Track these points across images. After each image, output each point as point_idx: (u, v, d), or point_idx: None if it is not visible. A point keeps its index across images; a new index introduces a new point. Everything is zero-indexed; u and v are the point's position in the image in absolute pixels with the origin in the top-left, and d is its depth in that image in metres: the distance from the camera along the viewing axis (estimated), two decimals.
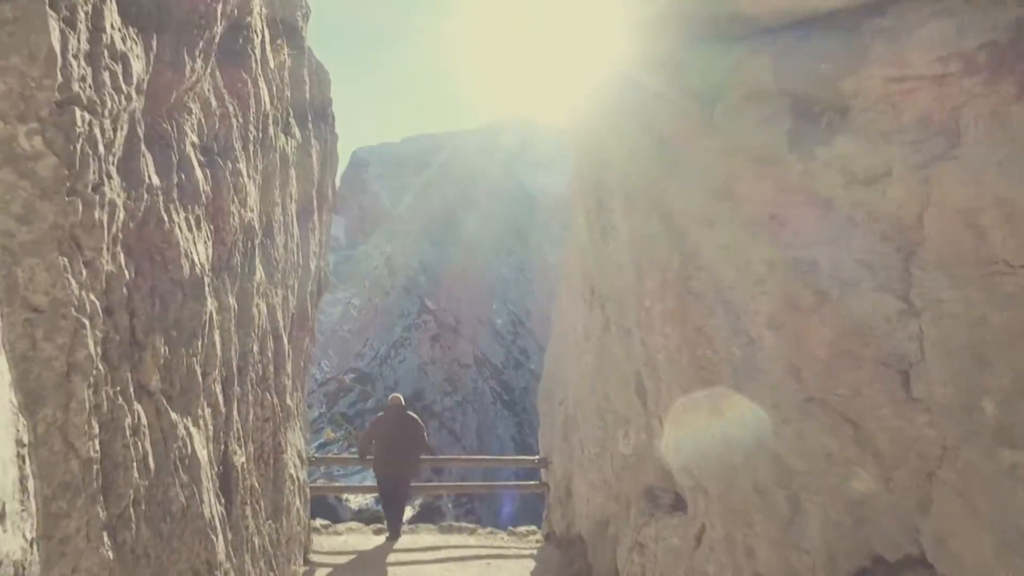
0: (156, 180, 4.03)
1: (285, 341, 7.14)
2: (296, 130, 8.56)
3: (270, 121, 6.52)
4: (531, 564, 9.44)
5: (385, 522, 11.24)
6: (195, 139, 4.71)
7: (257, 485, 5.66)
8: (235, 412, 5.10)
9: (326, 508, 49.10)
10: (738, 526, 4.03)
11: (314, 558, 9.71)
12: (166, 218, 4.08)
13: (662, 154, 5.10)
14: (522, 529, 11.51)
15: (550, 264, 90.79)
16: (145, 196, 3.88)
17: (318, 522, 11.59)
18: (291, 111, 8.19)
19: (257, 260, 5.89)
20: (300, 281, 9.31)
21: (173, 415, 3.94)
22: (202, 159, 4.81)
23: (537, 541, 10.91)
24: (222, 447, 4.80)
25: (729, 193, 3.98)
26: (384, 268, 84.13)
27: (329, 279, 11.80)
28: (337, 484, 32.82)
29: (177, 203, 4.28)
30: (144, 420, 3.67)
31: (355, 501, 58.39)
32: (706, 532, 4.60)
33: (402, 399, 11.68)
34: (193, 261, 4.28)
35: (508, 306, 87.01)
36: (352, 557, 9.90)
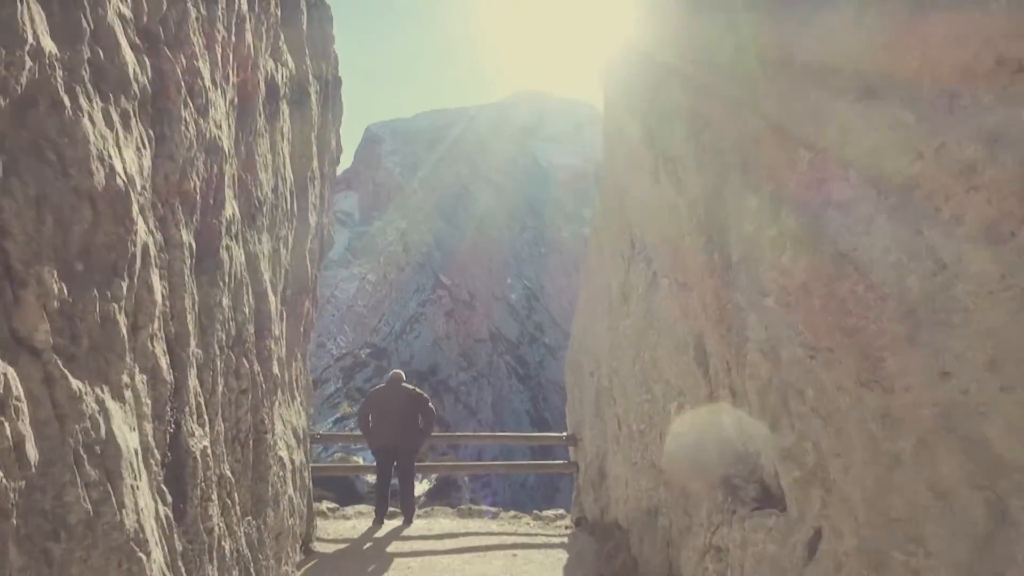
0: (51, 46, 2.73)
1: (272, 299, 5.86)
2: (289, 57, 7.23)
3: (247, 26, 5.19)
4: (562, 555, 8.18)
5: (377, 505, 10.00)
6: (126, 11, 3.39)
7: (230, 474, 4.40)
8: (191, 381, 3.82)
9: (344, 486, 48.25)
10: (895, 541, 2.72)
11: (318, 547, 8.50)
12: (67, 102, 2.77)
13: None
14: (549, 513, 10.25)
15: (564, 239, 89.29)
16: (28, 63, 2.58)
17: (324, 506, 10.39)
18: (281, 34, 6.86)
19: (228, 192, 4.59)
20: (296, 235, 8.02)
21: (74, 383, 2.65)
22: (138, 42, 3.49)
23: (567, 527, 9.65)
24: (170, 428, 3.53)
25: None
26: (398, 244, 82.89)
27: (332, 238, 10.51)
28: (352, 464, 31.74)
29: (89, 86, 2.97)
30: (18, 389, 2.39)
31: (372, 476, 57.76)
32: (825, 542, 3.30)
33: (403, 375, 10.43)
34: (113, 169, 2.97)
35: (523, 281, 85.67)
36: (360, 545, 8.68)
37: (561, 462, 10.70)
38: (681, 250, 6.02)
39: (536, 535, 9.13)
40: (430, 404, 10.10)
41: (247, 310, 4.85)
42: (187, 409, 3.73)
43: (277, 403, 5.70)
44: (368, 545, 8.69)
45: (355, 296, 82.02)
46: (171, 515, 3.44)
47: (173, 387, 3.57)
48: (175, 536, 3.43)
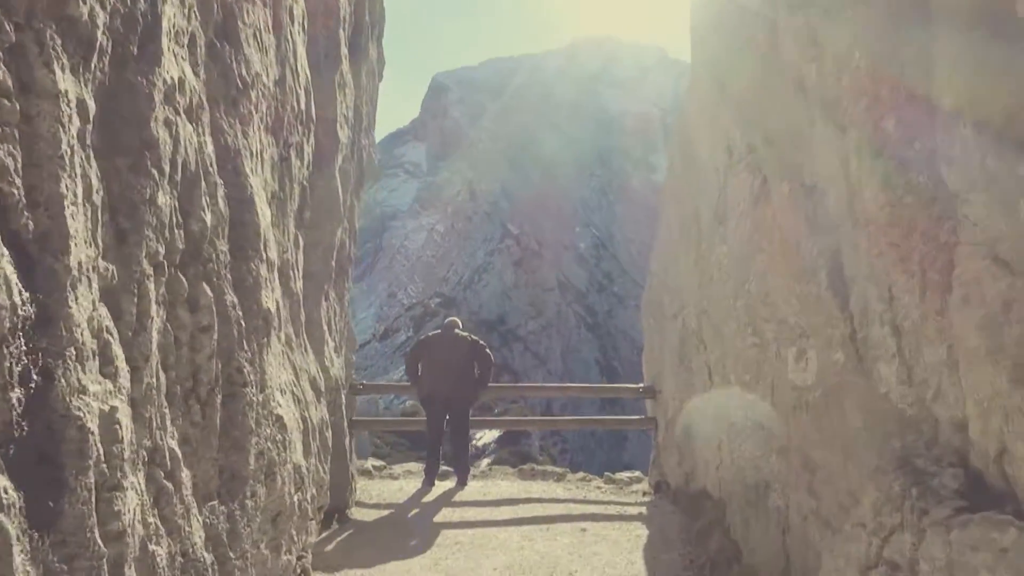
0: None
1: (265, 212, 4.44)
2: None
3: None
4: (640, 530, 6.69)
5: (427, 464, 8.66)
6: None
7: (176, 445, 3.03)
8: (78, 309, 2.41)
9: (411, 437, 47.94)
10: None
11: (355, 514, 7.23)
12: None
13: None
14: (623, 475, 8.76)
15: (633, 186, 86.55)
16: None
17: (370, 463, 9.13)
18: None
19: (166, 41, 3.12)
20: (319, 149, 6.60)
21: None
22: None
23: (644, 493, 8.16)
24: (28, 385, 2.13)
25: None
26: (466, 193, 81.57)
27: (375, 165, 9.07)
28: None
29: None
30: None
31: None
32: None
33: (459, 322, 9.03)
34: None
35: (591, 229, 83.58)
36: (405, 512, 7.38)
37: (637, 418, 9.19)
38: (810, 142, 4.36)
39: (608, 503, 7.66)
40: (488, 351, 8.70)
41: (210, 218, 3.43)
42: (71, 352, 2.33)
43: (272, 347, 4.33)
44: (414, 512, 7.38)
45: (424, 246, 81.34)
46: (25, 520, 2.07)
47: (33, 316, 2.17)
48: (33, 550, 2.06)
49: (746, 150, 5.71)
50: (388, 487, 8.32)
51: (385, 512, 7.37)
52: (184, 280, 3.22)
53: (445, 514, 7.24)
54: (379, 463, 9.17)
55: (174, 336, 3.14)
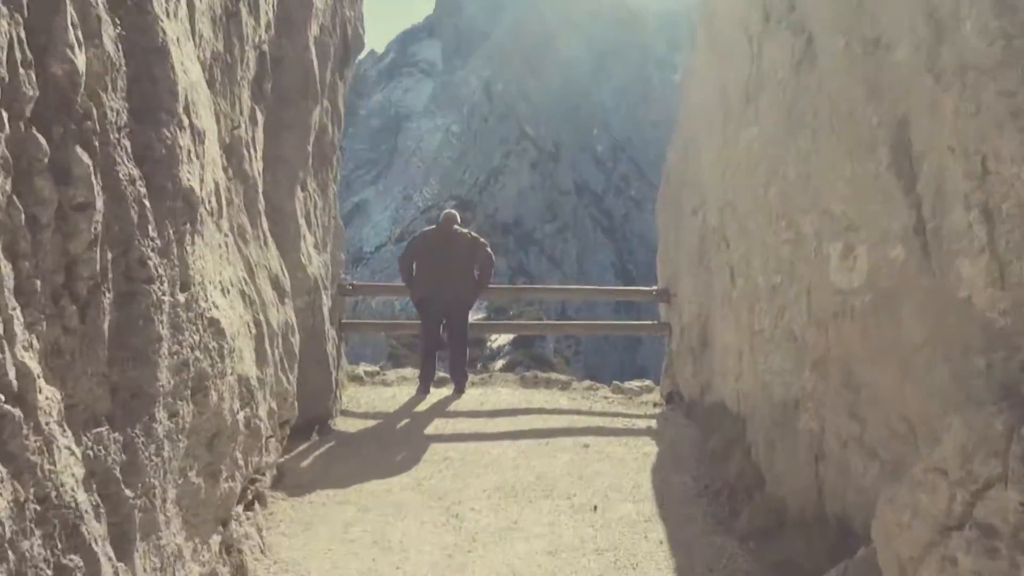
0: None
1: (188, 66, 3.54)
2: None
3: None
4: (649, 447, 6.00)
5: (422, 371, 8.02)
6: None
7: (30, 359, 2.27)
8: None
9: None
10: None
11: (339, 425, 6.59)
12: None
13: None
14: (633, 385, 8.05)
15: (653, 87, 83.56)
16: None
17: (362, 369, 8.48)
18: None
19: None
20: (282, 7, 5.64)
21: None
22: None
23: (655, 404, 7.46)
24: None
25: None
26: (483, 94, 79.15)
27: (362, 41, 8.03)
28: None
29: None
30: None
31: None
32: None
33: (456, 215, 8.15)
34: None
35: (609, 132, 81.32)
36: (394, 422, 6.75)
37: (649, 323, 8.41)
38: None
39: (616, 415, 6.97)
40: (489, 250, 7.89)
41: (85, 63, 2.57)
42: None
43: (207, 236, 3.52)
44: (403, 423, 6.74)
45: (440, 147, 79.60)
46: None
47: None
48: None
49: (787, 8, 4.70)
50: (379, 395, 7.68)
51: (372, 423, 6.73)
52: (42, 140, 2.39)
53: (437, 426, 6.60)
54: (372, 368, 8.52)
55: (27, 214, 2.33)
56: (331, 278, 7.55)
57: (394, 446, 5.99)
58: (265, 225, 4.96)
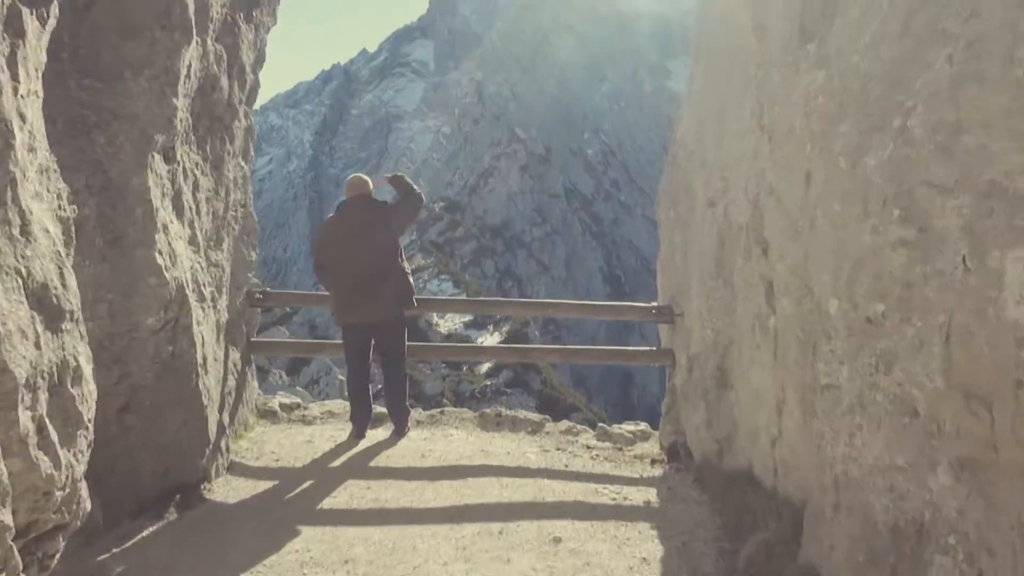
0: None
1: None
2: None
3: None
4: (649, 544, 4.00)
5: (352, 410, 5.96)
6: None
7: None
8: None
9: (418, 334, 45.65)
10: None
11: (219, 489, 4.61)
12: None
13: None
14: (624, 429, 6.03)
15: (645, 93, 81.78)
16: None
17: (277, 401, 6.47)
18: None
19: None
20: None
21: None
22: None
23: (653, 461, 5.46)
24: None
25: None
26: (474, 95, 77.15)
27: None
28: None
29: None
30: None
31: (445, 325, 55.16)
32: None
33: (367, 183, 5.94)
34: None
35: (600, 136, 79.50)
36: (293, 485, 4.77)
37: (645, 349, 6.44)
38: None
39: (601, 479, 4.97)
40: (415, 193, 5.86)
41: None
42: None
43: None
44: (308, 486, 4.74)
45: (430, 149, 77.65)
46: None
47: None
48: None
49: None
50: (293, 438, 5.70)
51: (266, 485, 4.75)
52: None
53: (353, 493, 4.61)
54: (291, 400, 6.51)
55: None
56: (231, 285, 5.59)
57: (279, 532, 4.01)
58: (29, 203, 2.98)
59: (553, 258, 68.05)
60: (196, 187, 4.91)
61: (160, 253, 4.23)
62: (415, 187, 5.83)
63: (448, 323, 56.23)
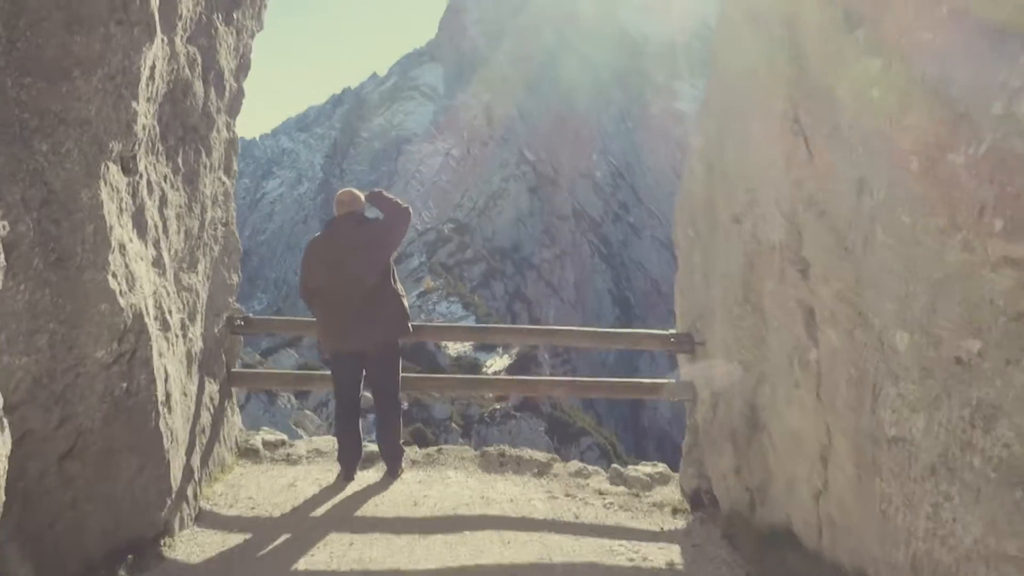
0: None
1: None
2: None
3: None
4: None
5: (339, 450, 5.34)
6: None
7: None
8: None
9: (426, 357, 44.89)
10: None
11: (182, 545, 4.03)
12: None
13: None
14: (641, 472, 5.40)
15: (653, 114, 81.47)
16: None
17: (260, 438, 5.89)
18: None
19: None
20: None
21: None
22: None
23: (675, 510, 4.83)
24: None
25: None
26: (483, 117, 77.08)
27: None
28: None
29: None
30: None
31: (454, 348, 54.42)
32: None
33: (358, 197, 5.32)
34: None
35: (608, 157, 79.17)
36: (267, 540, 4.20)
37: (662, 381, 5.80)
38: None
39: (615, 533, 4.36)
40: (402, 211, 5.29)
41: None
42: None
43: None
44: (283, 540, 4.16)
45: (439, 171, 77.43)
46: None
47: None
48: None
49: None
50: (274, 481, 5.12)
51: (237, 540, 4.17)
52: None
53: (332, 552, 4.02)
54: (276, 437, 5.93)
55: None
56: (207, 311, 5.06)
57: None
58: None
59: (562, 280, 67.54)
60: (164, 202, 4.38)
61: (114, 276, 3.69)
62: (399, 201, 5.29)
63: (457, 345, 55.54)
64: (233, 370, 5.56)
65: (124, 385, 3.78)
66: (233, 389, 5.58)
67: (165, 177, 4.39)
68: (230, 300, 5.52)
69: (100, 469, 3.67)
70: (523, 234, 70.06)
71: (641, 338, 5.68)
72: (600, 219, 74.69)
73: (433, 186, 76.06)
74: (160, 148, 4.35)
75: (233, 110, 5.49)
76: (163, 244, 4.35)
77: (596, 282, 70.20)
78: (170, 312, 4.34)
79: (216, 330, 5.28)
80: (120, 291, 3.72)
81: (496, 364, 52.15)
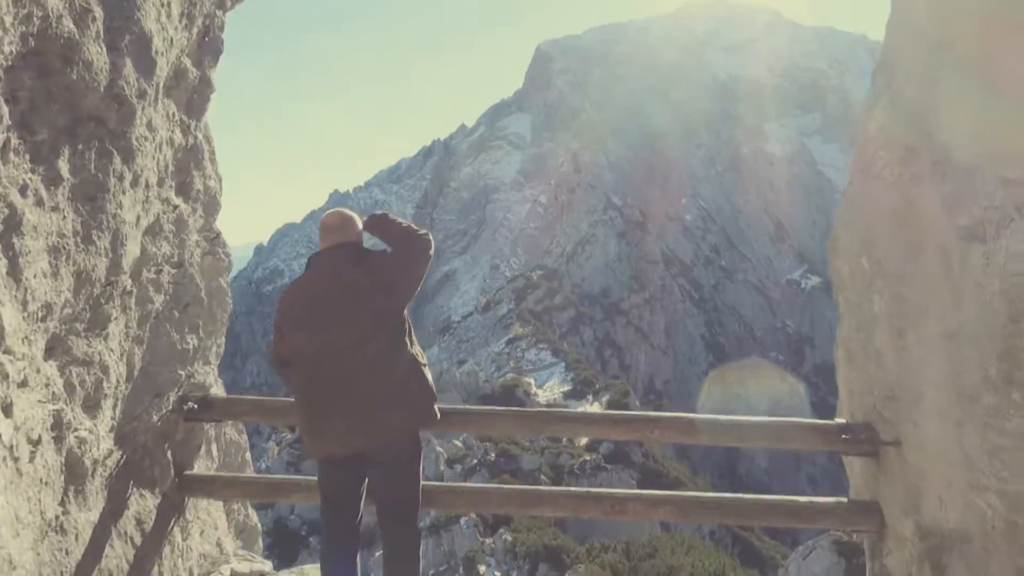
0: None
1: None
2: None
3: None
4: None
5: None
6: None
7: None
8: None
9: (515, 403, 43.03)
10: None
11: None
12: None
13: None
14: None
15: (743, 156, 78.39)
16: None
17: (230, 570, 4.09)
18: None
19: None
20: None
21: None
22: None
23: None
24: None
25: None
26: (570, 165, 75.89)
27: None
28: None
29: None
30: None
31: (544, 395, 52.26)
32: None
33: (356, 221, 3.44)
34: None
35: (698, 201, 76.35)
36: None
37: (831, 503, 3.64)
38: None
39: None
40: (417, 238, 3.41)
41: None
42: None
43: None
44: None
45: (527, 218, 76.34)
46: None
47: None
48: None
49: None
50: None
51: None
52: None
53: None
54: (252, 568, 4.11)
55: None
56: (136, 392, 3.33)
57: None
58: None
59: (652, 325, 64.72)
60: (17, 228, 2.68)
61: None
62: (412, 225, 3.44)
63: (547, 393, 53.34)
64: (187, 473, 3.80)
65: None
66: (188, 499, 3.81)
67: (24, 188, 2.69)
68: (183, 372, 3.79)
69: None
70: (612, 279, 67.86)
71: (788, 430, 3.53)
72: (691, 263, 71.71)
73: (521, 233, 74.95)
74: (18, 144, 2.66)
75: (194, 109, 3.82)
76: (15, 295, 2.63)
77: (687, 327, 67.00)
78: (19, 407, 2.60)
79: (155, 418, 3.55)
80: None
81: (587, 410, 49.58)
